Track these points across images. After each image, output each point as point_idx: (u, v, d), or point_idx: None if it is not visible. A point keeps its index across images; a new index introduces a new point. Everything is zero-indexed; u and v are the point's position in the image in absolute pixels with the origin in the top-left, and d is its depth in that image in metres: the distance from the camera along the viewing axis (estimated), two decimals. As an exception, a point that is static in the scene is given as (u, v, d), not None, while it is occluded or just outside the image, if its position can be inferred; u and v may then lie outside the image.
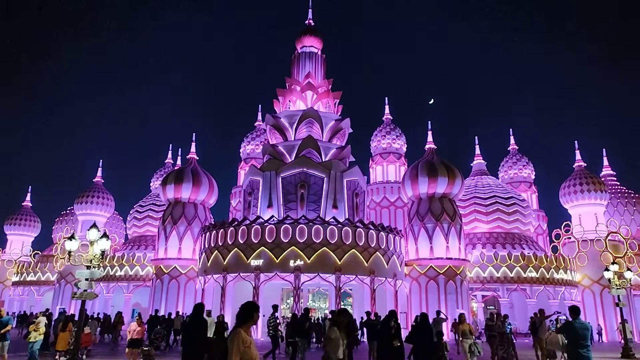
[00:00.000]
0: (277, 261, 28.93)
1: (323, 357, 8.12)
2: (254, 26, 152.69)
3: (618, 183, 50.90)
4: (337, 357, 7.76)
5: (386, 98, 55.18)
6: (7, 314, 37.81)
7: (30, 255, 51.12)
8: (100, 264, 13.45)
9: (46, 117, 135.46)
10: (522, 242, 40.44)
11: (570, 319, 8.99)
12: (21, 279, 48.81)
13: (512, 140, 55.26)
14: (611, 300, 34.24)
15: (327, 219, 30.11)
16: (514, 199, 42.84)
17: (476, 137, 50.11)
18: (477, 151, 49.65)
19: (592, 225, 39.58)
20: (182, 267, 35.15)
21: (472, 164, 49.89)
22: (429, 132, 38.87)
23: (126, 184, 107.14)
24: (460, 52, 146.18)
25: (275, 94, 39.94)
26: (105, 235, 13.50)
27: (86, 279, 13.07)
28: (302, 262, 28.78)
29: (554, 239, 41.07)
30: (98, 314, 33.83)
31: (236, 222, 31.31)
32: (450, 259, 32.89)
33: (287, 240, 29.14)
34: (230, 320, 24.43)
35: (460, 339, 15.98)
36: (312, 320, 24.41)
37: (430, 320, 19.59)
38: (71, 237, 13.66)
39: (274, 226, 29.62)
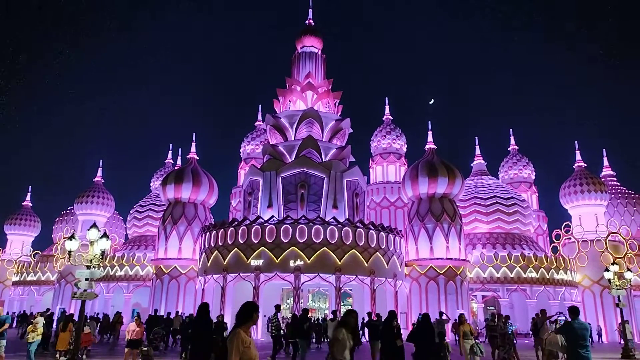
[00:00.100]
0: (277, 261, 28.92)
1: (328, 358, 8.04)
2: (254, 26, 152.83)
3: (618, 183, 50.90)
4: (344, 358, 7.71)
5: (386, 98, 55.39)
6: (8, 313, 37.97)
7: (31, 255, 51.15)
8: (100, 264, 13.45)
9: (46, 117, 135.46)
10: (522, 242, 40.44)
11: (569, 320, 9.01)
12: (21, 279, 48.82)
13: (512, 141, 55.31)
14: (611, 301, 34.20)
15: (327, 219, 30.11)
16: (514, 200, 42.84)
17: (476, 138, 50.22)
18: (477, 151, 49.69)
19: (592, 226, 39.57)
20: (182, 267, 35.15)
21: (472, 164, 49.92)
22: (429, 132, 38.89)
23: (126, 184, 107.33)
24: (460, 52, 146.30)
25: (276, 94, 39.96)
26: (105, 235, 13.50)
27: (86, 279, 13.06)
28: (302, 262, 28.78)
29: (554, 240, 41.07)
30: (97, 314, 33.85)
31: (236, 222, 31.31)
32: (451, 259, 32.88)
33: (287, 241, 29.14)
34: (230, 320, 24.42)
35: (462, 339, 15.95)
36: (312, 321, 24.40)
37: (434, 321, 19.65)
38: (71, 237, 13.66)
39: (274, 226, 29.62)
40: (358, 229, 30.22)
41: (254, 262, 29.25)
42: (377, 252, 30.44)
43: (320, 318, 30.96)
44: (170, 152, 57.18)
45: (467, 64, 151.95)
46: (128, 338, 15.34)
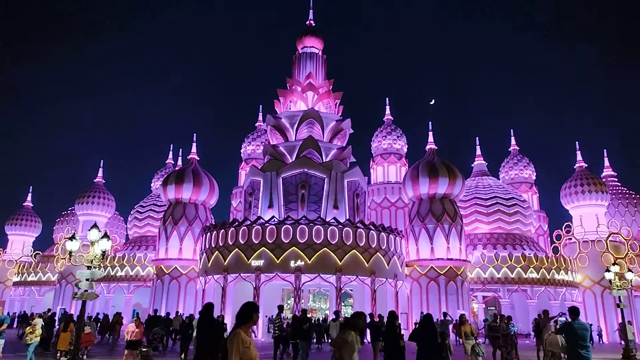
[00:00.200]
0: (277, 261, 28.92)
1: (332, 358, 7.94)
2: (254, 26, 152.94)
3: (619, 184, 50.85)
4: None
5: (387, 98, 55.43)
6: (8, 313, 38.00)
7: (31, 255, 51.18)
8: (101, 265, 13.45)
9: (47, 117, 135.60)
10: (522, 242, 40.41)
11: (569, 320, 9.00)
12: (22, 279, 48.84)
13: (512, 141, 55.30)
14: (612, 302, 34.16)
15: (327, 220, 30.11)
16: (514, 200, 42.82)
17: (477, 138, 50.21)
18: (478, 152, 49.68)
19: (593, 226, 39.54)
20: (183, 268, 35.17)
21: (472, 165, 49.90)
22: (430, 133, 38.92)
23: (127, 185, 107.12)
24: (460, 52, 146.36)
25: (276, 95, 39.97)
26: (106, 235, 13.49)
27: (87, 279, 13.06)
28: (302, 263, 28.78)
29: (554, 240, 41.06)
30: (98, 314, 33.86)
31: (237, 223, 31.33)
32: (451, 259, 32.89)
33: (287, 241, 29.14)
34: (230, 320, 24.42)
35: (464, 340, 15.93)
36: (312, 321, 24.39)
37: (438, 322, 19.63)
38: (72, 238, 13.65)
39: (274, 226, 29.62)
40: (359, 230, 30.22)
41: (255, 263, 29.25)
42: (378, 253, 30.44)
43: (320, 318, 30.96)
44: (170, 153, 57.22)
45: (467, 64, 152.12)
46: (127, 339, 15.29)
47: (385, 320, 16.22)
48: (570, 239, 40.16)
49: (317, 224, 29.52)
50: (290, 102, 39.26)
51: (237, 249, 30.01)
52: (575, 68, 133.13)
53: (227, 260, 30.22)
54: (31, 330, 15.50)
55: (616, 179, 51.21)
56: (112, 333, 27.37)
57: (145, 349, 15.44)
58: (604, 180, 45.88)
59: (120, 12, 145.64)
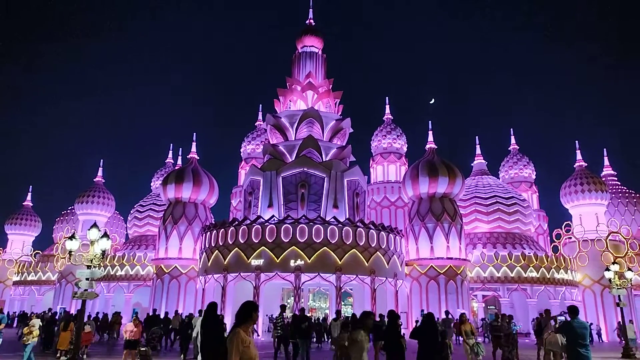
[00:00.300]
0: (277, 261, 28.93)
1: (334, 358, 7.86)
2: (254, 26, 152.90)
3: (619, 183, 50.84)
4: None
5: (387, 98, 55.33)
6: (8, 313, 38.00)
7: (31, 254, 51.20)
8: (101, 264, 13.45)
9: (46, 117, 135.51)
10: (522, 242, 40.40)
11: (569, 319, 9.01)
12: (22, 279, 48.84)
13: (512, 140, 55.23)
14: (612, 300, 34.19)
15: (327, 219, 30.12)
16: (514, 199, 42.80)
17: (477, 137, 50.13)
18: (478, 151, 49.60)
19: (592, 225, 39.55)
20: (183, 267, 35.17)
21: (472, 164, 49.85)
22: (430, 132, 38.86)
23: (126, 184, 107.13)
24: (460, 52, 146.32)
25: (276, 94, 39.97)
26: (105, 234, 13.50)
27: (87, 279, 13.07)
28: (302, 262, 28.79)
29: (554, 239, 41.04)
30: (97, 313, 33.87)
31: (237, 222, 31.33)
32: (451, 258, 32.89)
33: (287, 240, 29.15)
34: (230, 320, 24.41)
35: (465, 338, 15.94)
36: (312, 320, 24.38)
37: (440, 320, 19.60)
38: (72, 237, 13.65)
39: (274, 226, 29.63)
40: (358, 229, 30.23)
41: (255, 262, 29.26)
42: (378, 252, 30.45)
43: (320, 318, 30.97)
44: (170, 152, 57.16)
45: (467, 64, 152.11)
46: (126, 338, 15.29)
47: (385, 319, 16.21)
48: (570, 238, 40.17)
49: (317, 223, 29.53)
50: (290, 101, 39.27)
51: (237, 249, 30.02)
52: (575, 68, 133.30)
53: (227, 260, 30.23)
54: (29, 331, 15.48)
55: (616, 178, 51.21)
56: (111, 332, 27.35)
57: (143, 349, 15.43)
58: (603, 179, 45.87)
59: (120, 12, 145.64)
